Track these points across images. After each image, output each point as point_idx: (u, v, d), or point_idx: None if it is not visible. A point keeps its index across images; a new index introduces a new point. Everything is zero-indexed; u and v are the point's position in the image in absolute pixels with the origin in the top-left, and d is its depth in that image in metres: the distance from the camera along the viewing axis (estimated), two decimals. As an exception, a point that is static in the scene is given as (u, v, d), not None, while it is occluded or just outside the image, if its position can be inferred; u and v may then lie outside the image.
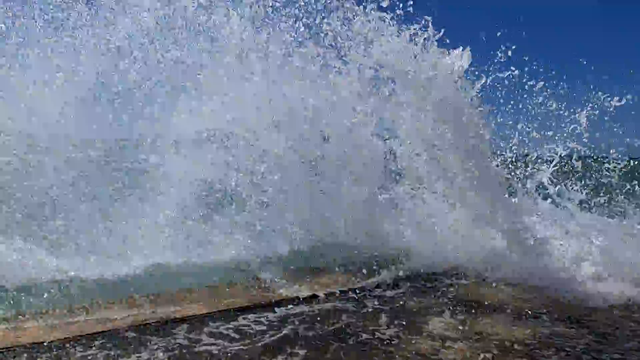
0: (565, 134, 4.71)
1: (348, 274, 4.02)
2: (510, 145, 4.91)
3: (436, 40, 4.36)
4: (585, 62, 5.45)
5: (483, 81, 4.49)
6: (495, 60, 4.47)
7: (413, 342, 2.69)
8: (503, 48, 4.46)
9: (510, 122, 4.62)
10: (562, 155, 4.77)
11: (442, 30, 4.35)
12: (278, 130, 5.12)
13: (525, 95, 4.63)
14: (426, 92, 4.36)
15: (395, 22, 4.26)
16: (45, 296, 3.42)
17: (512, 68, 4.47)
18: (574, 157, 4.78)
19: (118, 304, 3.17)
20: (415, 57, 4.31)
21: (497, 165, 4.71)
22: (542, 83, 4.56)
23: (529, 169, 4.96)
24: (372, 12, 4.35)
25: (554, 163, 4.76)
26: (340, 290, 3.57)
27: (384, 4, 4.29)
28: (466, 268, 4.15)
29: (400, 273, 3.97)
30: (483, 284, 3.86)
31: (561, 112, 4.65)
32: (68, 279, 3.87)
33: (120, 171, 5.30)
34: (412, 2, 4.25)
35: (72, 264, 4.11)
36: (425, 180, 4.84)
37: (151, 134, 5.08)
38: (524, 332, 2.86)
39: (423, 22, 4.30)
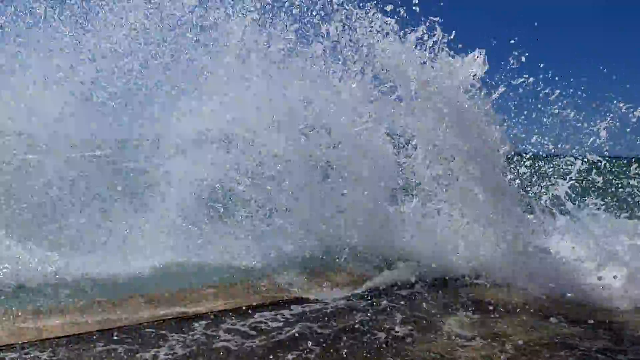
0: (584, 147, 4.31)
1: (359, 274, 4.02)
2: (524, 160, 4.53)
3: (445, 43, 4.06)
4: (605, 70, 4.96)
5: (501, 90, 4.14)
6: (508, 67, 4.11)
7: (428, 341, 2.71)
8: (515, 53, 4.09)
9: (524, 135, 4.20)
10: (581, 169, 4.37)
11: (453, 33, 4.03)
12: (278, 131, 4.99)
13: (540, 105, 4.25)
14: (430, 95, 4.09)
15: (399, 26, 3.96)
16: (62, 293, 3.55)
17: (526, 75, 4.08)
18: (593, 172, 4.39)
19: (136, 300, 3.24)
20: (423, 63, 4.03)
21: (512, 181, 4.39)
22: (558, 91, 4.16)
23: (544, 183, 4.59)
24: (375, 14, 4.08)
25: (570, 176, 4.38)
26: (353, 289, 3.60)
27: (387, 8, 3.99)
28: (473, 270, 4.02)
29: (411, 275, 3.92)
30: (493, 286, 3.78)
31: (579, 124, 4.25)
32: (83, 277, 3.95)
33: (122, 172, 5.29)
34: (417, 1, 3.89)
35: (86, 263, 4.17)
36: (427, 180, 4.60)
37: (151, 134, 5.03)
38: (540, 333, 2.84)
39: (428, 23, 4.00)
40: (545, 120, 4.34)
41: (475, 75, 4.04)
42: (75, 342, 2.58)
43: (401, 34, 4.06)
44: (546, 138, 4.41)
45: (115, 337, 2.64)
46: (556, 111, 4.24)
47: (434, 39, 4.07)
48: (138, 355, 2.44)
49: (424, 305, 3.30)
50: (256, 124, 4.97)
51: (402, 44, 4.05)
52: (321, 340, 2.69)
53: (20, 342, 2.56)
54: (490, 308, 3.23)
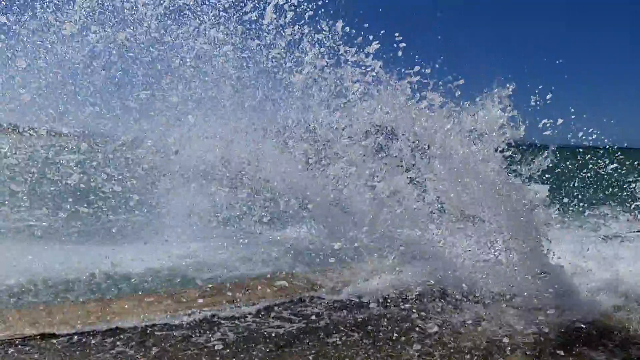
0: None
1: (376, 269, 4.04)
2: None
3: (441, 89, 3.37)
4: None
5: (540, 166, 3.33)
6: (530, 108, 3.30)
7: (468, 331, 2.88)
8: (539, 88, 3.24)
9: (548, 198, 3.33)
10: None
11: (461, 80, 3.30)
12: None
13: (568, 162, 3.38)
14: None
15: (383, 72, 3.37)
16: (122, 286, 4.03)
17: (550, 120, 3.23)
18: None
19: (191, 291, 3.50)
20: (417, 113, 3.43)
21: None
22: (595, 136, 3.28)
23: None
24: (355, 56, 3.51)
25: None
26: (379, 284, 3.65)
27: (373, 49, 3.39)
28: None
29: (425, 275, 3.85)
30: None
31: (618, 185, 3.34)
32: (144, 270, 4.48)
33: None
34: (400, 39, 3.25)
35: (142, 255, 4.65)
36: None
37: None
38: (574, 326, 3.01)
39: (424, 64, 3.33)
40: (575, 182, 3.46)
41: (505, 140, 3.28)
42: (144, 329, 2.82)
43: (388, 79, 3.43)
44: (577, 194, 3.54)
45: (173, 324, 2.86)
46: (590, 165, 3.36)
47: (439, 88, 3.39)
48: (193, 339, 2.65)
49: (452, 299, 3.34)
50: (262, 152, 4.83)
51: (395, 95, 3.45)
52: (359, 327, 2.88)
53: (93, 329, 2.81)
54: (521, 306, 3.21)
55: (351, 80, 3.54)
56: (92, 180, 5.34)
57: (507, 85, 3.17)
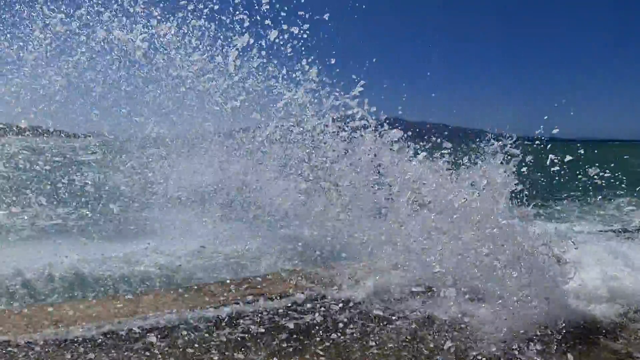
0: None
1: (376, 268, 4.07)
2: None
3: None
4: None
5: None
6: (535, 134, 2.97)
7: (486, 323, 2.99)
8: (545, 119, 2.90)
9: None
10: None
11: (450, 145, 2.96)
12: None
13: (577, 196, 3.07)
14: None
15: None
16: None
17: (558, 156, 2.91)
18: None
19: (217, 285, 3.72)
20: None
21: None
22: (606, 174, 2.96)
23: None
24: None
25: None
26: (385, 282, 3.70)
27: (358, 90, 3.07)
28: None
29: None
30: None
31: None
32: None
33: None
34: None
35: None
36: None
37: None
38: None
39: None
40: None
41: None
42: (172, 323, 3.01)
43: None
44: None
45: (199, 318, 3.04)
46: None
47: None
48: (218, 332, 2.84)
49: (469, 296, 3.35)
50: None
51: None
52: (375, 320, 2.99)
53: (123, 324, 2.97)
54: (541, 299, 3.11)
55: (335, 127, 3.26)
56: (107, 181, 5.50)
57: (506, 132, 2.84)
